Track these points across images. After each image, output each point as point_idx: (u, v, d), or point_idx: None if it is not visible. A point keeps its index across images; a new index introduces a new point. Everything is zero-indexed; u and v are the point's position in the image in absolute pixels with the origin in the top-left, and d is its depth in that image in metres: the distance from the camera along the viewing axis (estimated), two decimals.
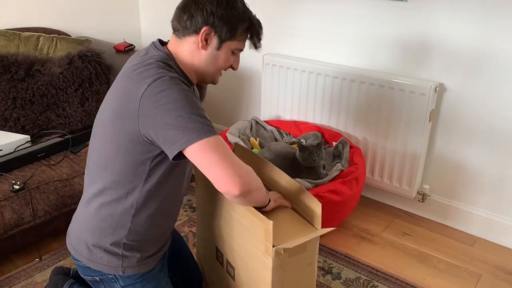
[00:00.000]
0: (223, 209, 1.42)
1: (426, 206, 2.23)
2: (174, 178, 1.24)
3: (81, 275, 1.35)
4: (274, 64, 2.44)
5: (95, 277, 1.31)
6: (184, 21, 1.20)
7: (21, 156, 1.88)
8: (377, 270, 1.87)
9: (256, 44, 1.28)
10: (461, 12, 1.90)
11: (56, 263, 1.84)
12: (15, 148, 1.93)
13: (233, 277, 1.45)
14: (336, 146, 2.20)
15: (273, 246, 1.19)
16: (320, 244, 2.00)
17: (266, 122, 2.46)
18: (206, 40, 1.20)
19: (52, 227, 1.86)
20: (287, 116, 2.50)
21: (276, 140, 2.35)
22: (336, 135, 2.28)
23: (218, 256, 1.52)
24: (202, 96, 1.46)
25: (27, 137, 2.01)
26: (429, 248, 2.03)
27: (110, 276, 1.29)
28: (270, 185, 1.48)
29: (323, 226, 2.03)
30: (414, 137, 2.09)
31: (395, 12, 2.07)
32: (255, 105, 2.74)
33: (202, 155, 1.07)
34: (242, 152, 1.63)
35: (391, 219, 2.24)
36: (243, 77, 2.75)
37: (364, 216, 2.25)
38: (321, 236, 2.04)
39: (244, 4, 1.25)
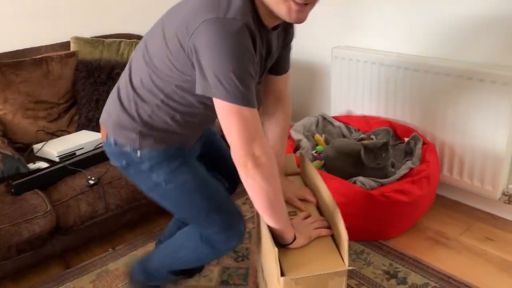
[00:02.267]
0: (260, 226, 1.35)
1: None
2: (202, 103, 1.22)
3: (112, 163, 1.38)
4: (343, 57, 2.36)
5: (122, 163, 1.31)
6: None
7: (99, 153, 2.03)
8: (448, 277, 1.72)
9: None
10: None
11: (128, 253, 1.97)
12: (95, 146, 2.10)
13: None
14: (408, 142, 2.07)
15: (282, 275, 1.10)
16: (387, 247, 1.91)
17: (335, 117, 2.39)
18: None
19: (125, 219, 1.99)
20: (358, 111, 2.40)
21: (344, 136, 2.27)
22: (409, 130, 2.14)
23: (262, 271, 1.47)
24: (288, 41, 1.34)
25: None
26: None
27: (134, 156, 1.27)
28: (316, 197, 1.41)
29: (392, 227, 1.93)
30: (498, 132, 1.88)
31: None
32: (325, 101, 2.67)
33: (226, 116, 1.06)
34: (302, 163, 1.55)
35: (471, 222, 2.04)
36: (312, 72, 2.70)
37: (441, 218, 2.08)
38: (389, 239, 1.95)
39: None
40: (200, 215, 1.32)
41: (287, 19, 1.08)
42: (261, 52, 1.15)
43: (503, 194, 1.98)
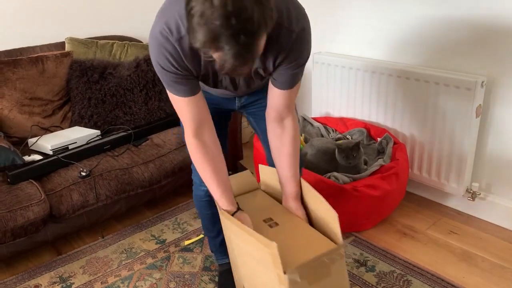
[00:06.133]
0: (231, 241, 1.34)
1: (477, 205, 2.16)
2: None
3: None
4: (323, 63, 2.51)
5: None
6: None
7: (91, 147, 2.16)
8: (413, 266, 1.87)
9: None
10: None
11: (117, 242, 2.09)
12: (87, 141, 2.22)
13: None
14: (380, 142, 2.22)
15: (285, 273, 1.02)
16: (358, 238, 2.05)
17: (314, 118, 2.54)
18: None
19: (114, 210, 2.11)
20: (336, 113, 2.55)
21: (322, 136, 2.42)
22: (382, 131, 2.29)
23: None
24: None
25: (97, 132, 2.29)
26: (475, 247, 1.97)
27: None
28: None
29: (363, 220, 2.07)
30: (462, 134, 2.04)
31: (439, 3, 2.05)
32: (307, 103, 2.82)
33: None
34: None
35: (438, 217, 2.20)
36: None
37: (411, 213, 2.24)
38: (361, 231, 2.09)
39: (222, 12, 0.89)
40: None
41: None
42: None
43: (467, 191, 2.13)
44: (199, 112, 1.28)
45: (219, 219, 1.59)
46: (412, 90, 2.16)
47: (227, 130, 1.68)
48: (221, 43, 0.91)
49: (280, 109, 1.34)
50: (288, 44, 1.17)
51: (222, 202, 1.34)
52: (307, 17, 1.20)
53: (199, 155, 1.31)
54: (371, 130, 2.33)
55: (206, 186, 1.51)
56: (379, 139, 2.25)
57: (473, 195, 2.12)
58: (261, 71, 1.26)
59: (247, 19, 0.90)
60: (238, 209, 1.36)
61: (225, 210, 1.33)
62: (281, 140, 1.38)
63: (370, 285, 1.77)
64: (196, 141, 1.30)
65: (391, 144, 2.17)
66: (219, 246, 1.75)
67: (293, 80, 1.28)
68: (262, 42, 0.98)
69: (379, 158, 2.14)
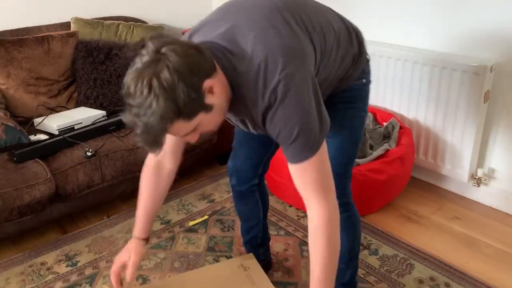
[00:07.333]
0: None
1: (481, 191, 2.15)
2: None
3: None
4: None
5: None
6: None
7: (96, 128, 2.16)
8: (417, 250, 1.88)
9: None
10: None
11: (122, 221, 2.11)
12: (93, 122, 2.23)
13: None
14: (386, 126, 2.21)
15: None
16: (362, 222, 2.05)
17: None
18: None
19: (120, 190, 2.13)
20: None
21: None
22: (388, 116, 2.28)
23: None
24: None
25: (103, 113, 2.30)
26: (479, 233, 1.98)
27: None
28: None
29: (368, 204, 2.08)
30: (468, 119, 2.03)
31: None
32: None
33: None
34: None
35: (443, 202, 2.20)
36: None
37: (415, 198, 2.23)
38: (365, 215, 2.09)
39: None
40: None
41: None
42: None
43: (472, 177, 2.13)
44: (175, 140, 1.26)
45: (252, 217, 1.66)
46: (419, 75, 2.14)
47: (272, 150, 1.54)
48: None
49: (299, 188, 1.05)
50: (256, 103, 1.01)
51: (136, 225, 1.39)
52: (295, 62, 0.98)
53: (149, 179, 1.34)
54: (377, 115, 2.32)
55: (238, 174, 1.55)
56: (385, 123, 2.24)
57: (478, 181, 2.12)
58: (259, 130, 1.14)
59: (145, 107, 0.90)
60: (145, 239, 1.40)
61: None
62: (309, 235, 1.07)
63: (373, 268, 1.78)
64: (154, 165, 1.31)
65: (397, 129, 2.16)
66: (246, 243, 1.75)
67: (292, 153, 1.00)
68: (176, 127, 0.95)
69: (384, 143, 2.14)
